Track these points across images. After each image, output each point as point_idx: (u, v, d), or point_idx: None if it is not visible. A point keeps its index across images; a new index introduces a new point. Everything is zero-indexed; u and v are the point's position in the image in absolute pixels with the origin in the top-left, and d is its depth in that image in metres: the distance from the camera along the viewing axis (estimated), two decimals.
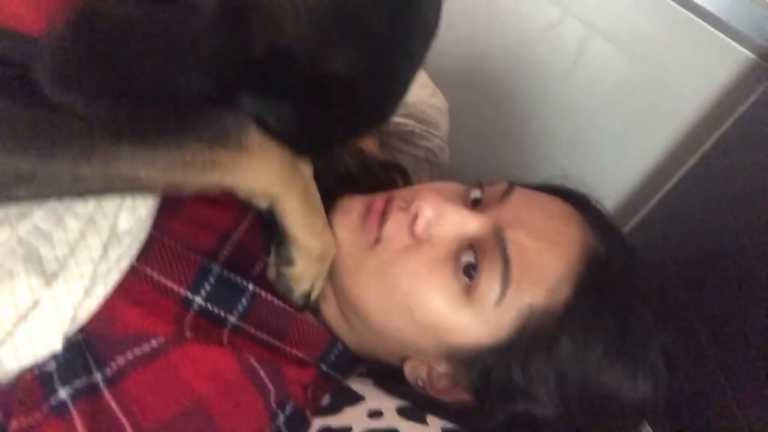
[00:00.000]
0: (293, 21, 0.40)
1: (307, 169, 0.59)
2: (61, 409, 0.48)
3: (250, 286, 0.58)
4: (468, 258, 0.56)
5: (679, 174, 1.15)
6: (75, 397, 0.48)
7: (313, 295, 0.64)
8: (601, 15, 1.14)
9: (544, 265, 0.55)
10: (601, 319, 0.55)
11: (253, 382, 0.54)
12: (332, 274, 0.64)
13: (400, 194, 0.64)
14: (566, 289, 0.55)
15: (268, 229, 0.61)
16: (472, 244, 0.57)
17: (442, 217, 0.58)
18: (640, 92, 1.16)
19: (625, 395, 0.56)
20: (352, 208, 0.64)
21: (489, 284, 0.54)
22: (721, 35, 1.05)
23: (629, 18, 1.12)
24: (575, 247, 0.57)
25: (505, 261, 0.54)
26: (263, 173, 0.50)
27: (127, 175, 0.44)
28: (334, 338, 0.64)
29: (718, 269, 0.86)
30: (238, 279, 0.58)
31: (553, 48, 1.20)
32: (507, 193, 0.62)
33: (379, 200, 0.62)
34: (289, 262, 0.59)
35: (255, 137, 0.48)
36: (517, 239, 0.55)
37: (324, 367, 0.62)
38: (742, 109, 1.06)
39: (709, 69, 1.09)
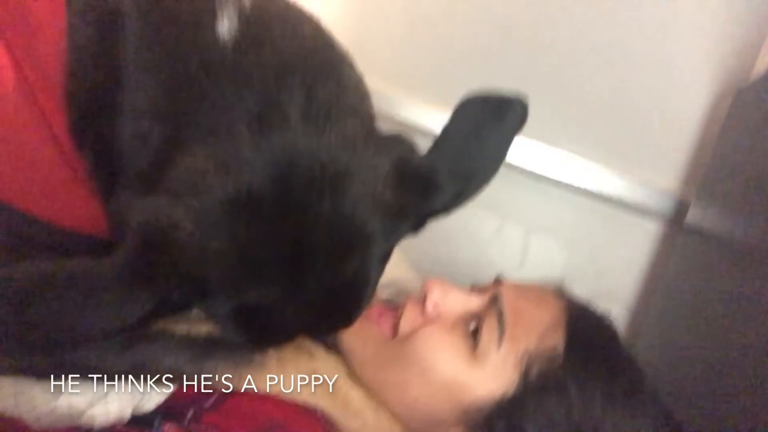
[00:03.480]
0: (203, 264, 0.43)
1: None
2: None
3: None
4: (473, 325, 0.66)
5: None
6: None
7: None
8: (534, 215, 1.41)
9: (533, 316, 0.65)
10: (594, 364, 0.63)
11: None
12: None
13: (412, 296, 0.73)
14: (556, 336, 0.63)
15: None
16: (476, 315, 0.67)
17: (448, 296, 0.68)
18: (583, 273, 1.37)
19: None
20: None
21: (489, 336, 0.62)
22: (631, 216, 1.33)
23: (558, 214, 1.39)
24: (556, 306, 0.68)
25: (500, 314, 0.63)
26: (282, 384, 0.60)
27: None
28: None
29: None
30: None
31: (502, 248, 1.43)
32: (497, 282, 0.74)
33: (373, 309, 0.70)
34: None
35: (272, 357, 0.60)
36: (509, 299, 0.66)
37: None
38: (667, 267, 1.28)
39: (629, 244, 1.35)
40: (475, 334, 0.64)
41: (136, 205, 0.43)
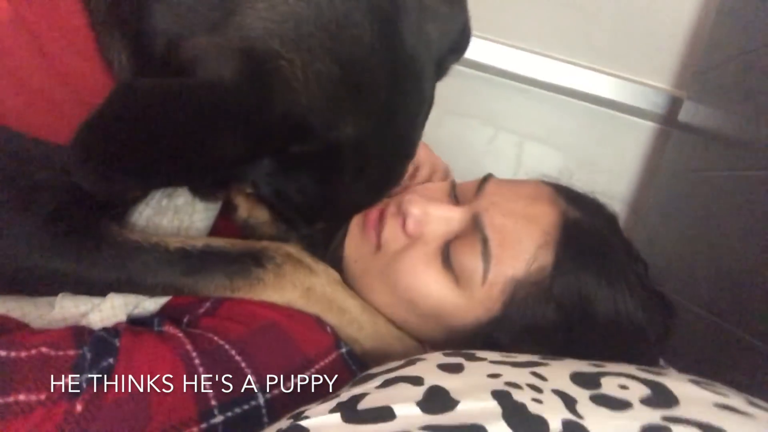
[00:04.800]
0: (306, 89, 0.43)
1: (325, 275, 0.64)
2: (167, 335, 0.54)
3: None
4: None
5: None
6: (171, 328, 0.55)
7: None
8: (527, 123, 1.40)
9: (521, 239, 0.60)
10: (581, 274, 0.59)
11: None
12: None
13: (392, 202, 0.69)
14: (546, 256, 0.59)
15: None
16: (459, 236, 0.62)
17: (428, 216, 0.64)
18: (578, 176, 1.38)
19: (619, 318, 0.59)
20: (352, 224, 0.71)
21: (473, 266, 0.59)
22: (625, 116, 1.32)
23: (551, 120, 1.38)
24: (548, 218, 0.61)
25: (485, 242, 0.59)
26: (278, 296, 0.61)
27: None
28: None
29: None
30: None
31: (497, 157, 1.43)
32: (482, 183, 0.67)
33: (373, 212, 0.69)
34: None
35: (270, 271, 0.60)
36: (493, 221, 0.60)
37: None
38: (661, 163, 1.29)
39: (624, 144, 1.35)
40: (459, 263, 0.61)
41: (227, 40, 0.42)
